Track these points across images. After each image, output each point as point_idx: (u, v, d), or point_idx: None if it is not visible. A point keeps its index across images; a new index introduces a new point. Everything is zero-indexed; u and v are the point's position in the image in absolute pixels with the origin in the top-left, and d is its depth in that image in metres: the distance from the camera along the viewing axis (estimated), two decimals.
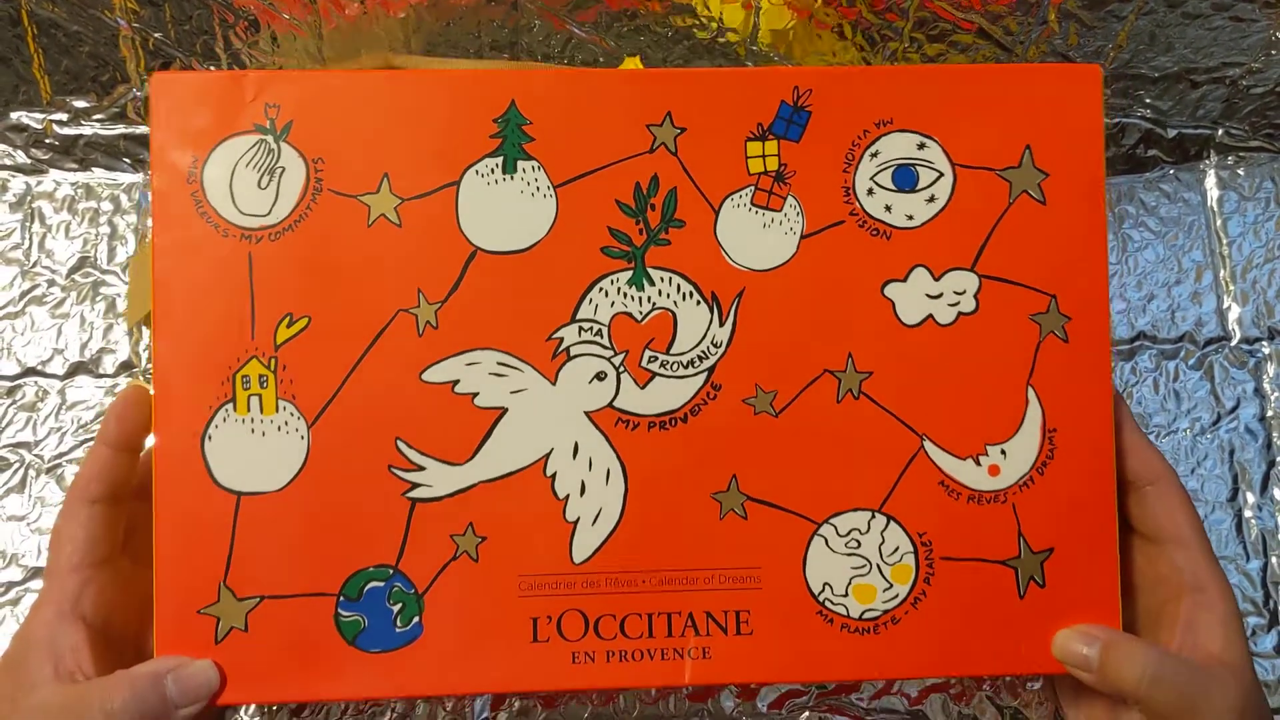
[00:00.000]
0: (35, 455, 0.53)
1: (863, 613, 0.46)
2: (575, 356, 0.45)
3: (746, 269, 0.46)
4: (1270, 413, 0.57)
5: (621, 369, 0.45)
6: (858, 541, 0.45)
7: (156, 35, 0.55)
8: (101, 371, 0.54)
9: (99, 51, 0.55)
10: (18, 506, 0.53)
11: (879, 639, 0.46)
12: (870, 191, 0.46)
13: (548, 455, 0.45)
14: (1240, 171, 0.60)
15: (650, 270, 0.45)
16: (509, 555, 0.44)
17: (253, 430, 0.43)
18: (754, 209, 0.46)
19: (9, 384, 0.54)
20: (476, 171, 0.45)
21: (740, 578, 0.45)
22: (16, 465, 0.53)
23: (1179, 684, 0.42)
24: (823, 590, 0.45)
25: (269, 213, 0.44)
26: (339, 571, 0.44)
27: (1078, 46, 0.57)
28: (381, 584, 0.44)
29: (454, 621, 0.44)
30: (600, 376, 0.45)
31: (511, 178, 0.45)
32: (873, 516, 0.45)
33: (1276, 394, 0.57)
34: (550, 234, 0.45)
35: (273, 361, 0.44)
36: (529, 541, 0.44)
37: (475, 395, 0.44)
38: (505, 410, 0.44)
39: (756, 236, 0.46)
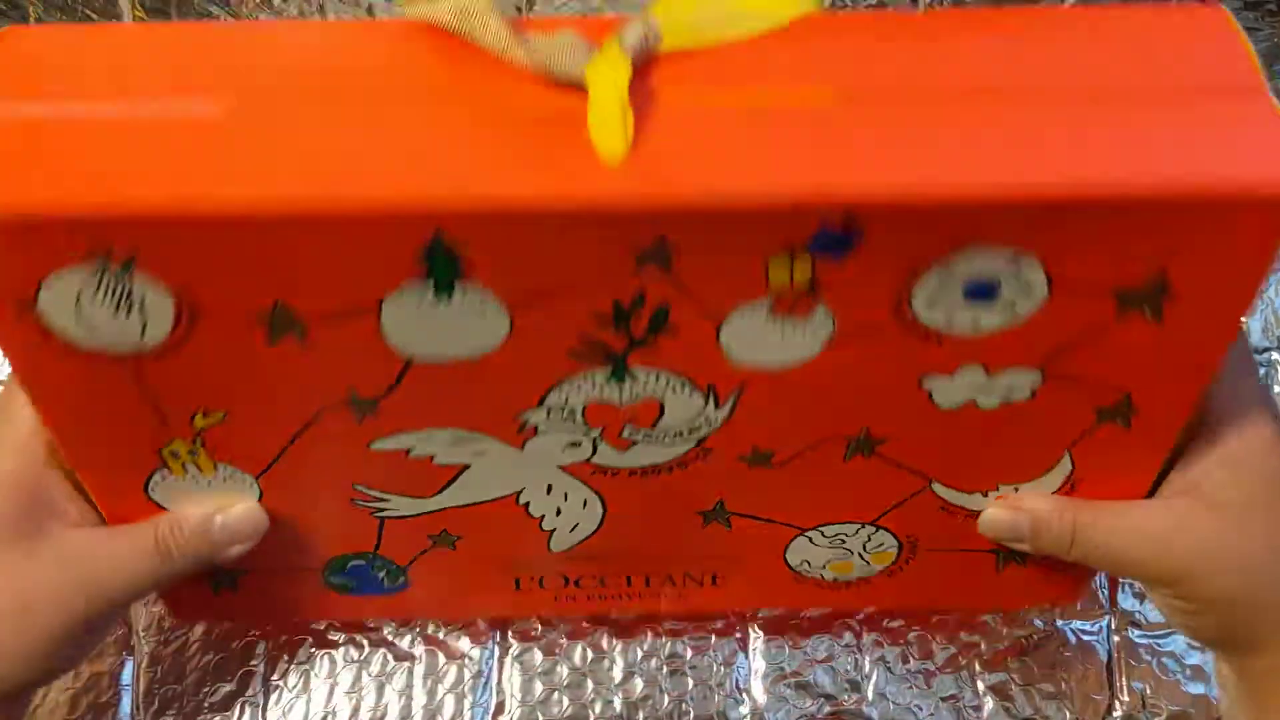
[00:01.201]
0: None
1: (836, 578, 0.45)
2: (544, 433, 0.38)
3: (754, 368, 0.35)
4: None
5: (599, 440, 0.38)
6: (843, 540, 0.44)
7: None
8: None
9: None
10: None
11: (850, 589, 0.46)
12: (932, 304, 0.33)
13: (520, 491, 0.41)
14: None
15: (634, 369, 0.35)
16: (486, 548, 0.44)
17: (196, 482, 0.39)
18: (771, 318, 0.33)
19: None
20: (400, 299, 0.32)
21: (719, 559, 0.45)
22: None
23: (1112, 545, 0.40)
24: (800, 564, 0.45)
25: (142, 337, 0.33)
26: (320, 557, 0.44)
27: None
28: (364, 562, 0.44)
29: (439, 582, 0.45)
30: (574, 445, 0.38)
31: (448, 300, 0.32)
32: (863, 526, 0.44)
33: None
34: (503, 346, 0.34)
35: (197, 440, 0.37)
36: (506, 540, 0.44)
37: (433, 456, 0.39)
38: (468, 465, 0.40)
39: (771, 341, 0.34)
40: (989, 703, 0.52)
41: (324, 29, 0.36)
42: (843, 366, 0.35)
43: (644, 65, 0.32)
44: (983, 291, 0.33)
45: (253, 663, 0.51)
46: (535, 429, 0.37)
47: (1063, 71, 0.33)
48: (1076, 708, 0.52)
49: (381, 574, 0.44)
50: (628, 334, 0.34)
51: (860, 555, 0.45)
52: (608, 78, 0.31)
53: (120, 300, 0.32)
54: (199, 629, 0.51)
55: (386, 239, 0.31)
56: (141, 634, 0.51)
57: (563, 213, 0.30)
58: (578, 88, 0.31)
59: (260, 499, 0.40)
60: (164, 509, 0.40)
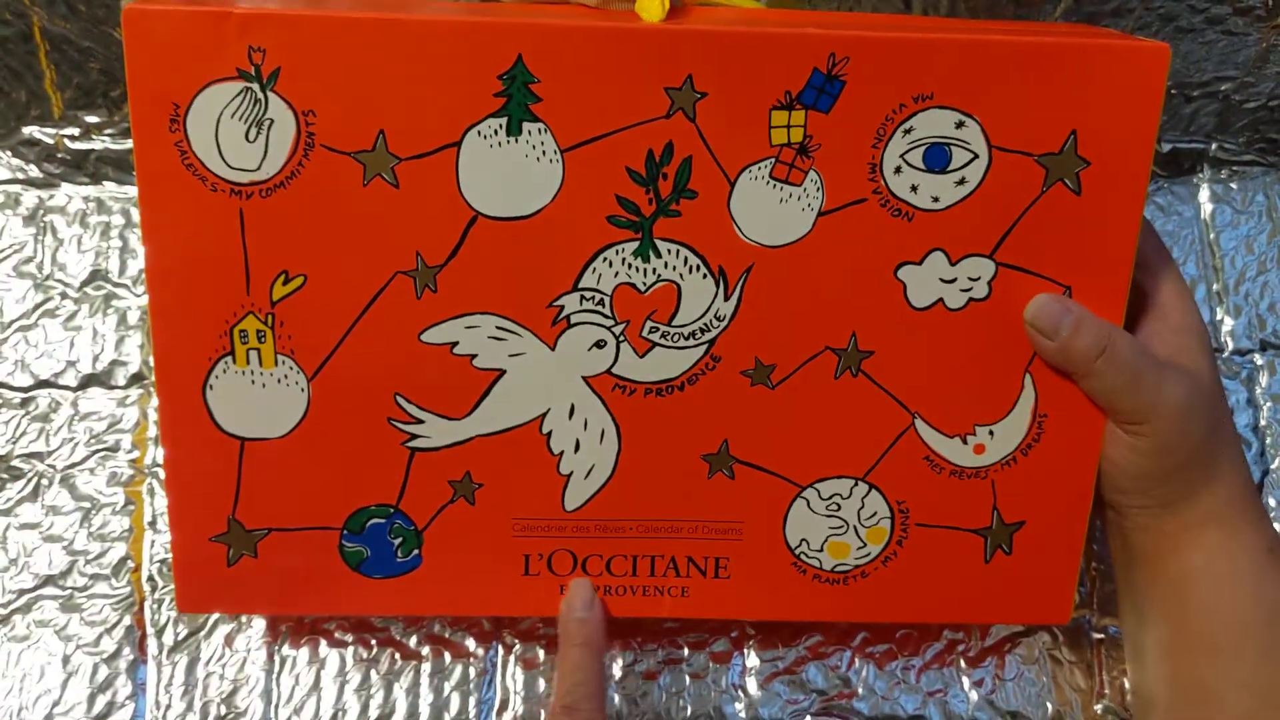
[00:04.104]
0: (48, 465, 0.54)
1: (835, 566, 0.48)
2: (575, 324, 0.44)
3: (758, 244, 0.43)
4: (1263, 422, 0.58)
5: (621, 338, 0.44)
6: (838, 505, 0.47)
7: None
8: (113, 383, 0.55)
9: (109, 68, 0.56)
10: (31, 515, 0.54)
11: (846, 589, 0.48)
12: (898, 170, 0.43)
13: (544, 414, 0.45)
14: (1234, 185, 0.60)
15: (657, 241, 0.43)
16: (504, 501, 0.46)
17: (253, 382, 0.43)
18: (772, 182, 0.42)
19: (22, 395, 0.55)
20: (479, 133, 0.41)
21: (722, 529, 0.47)
22: (30, 475, 0.54)
23: (1131, 366, 0.44)
24: (799, 545, 0.47)
25: (259, 168, 0.41)
26: (342, 509, 0.46)
27: None
28: (383, 520, 0.46)
29: (451, 555, 0.46)
30: (599, 344, 0.44)
31: (516, 140, 0.41)
32: (855, 484, 0.47)
33: (1269, 404, 0.58)
34: (555, 201, 0.42)
35: (270, 318, 0.43)
36: (523, 490, 0.46)
37: (474, 357, 0.44)
38: (503, 372, 0.44)
39: (772, 211, 0.43)
40: (974, 696, 0.54)
41: None
42: (831, 248, 0.43)
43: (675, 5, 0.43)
44: (938, 158, 0.42)
45: (264, 662, 0.53)
46: (568, 320, 0.43)
47: (988, 25, 0.47)
48: (1059, 702, 0.54)
49: (397, 542, 0.46)
50: (656, 195, 0.42)
51: (856, 531, 0.47)
52: None
53: (254, 121, 0.40)
54: (214, 631, 0.53)
55: (476, 58, 0.40)
56: (156, 634, 0.53)
57: (615, 34, 0.40)
58: (629, 4, 0.43)
59: (306, 414, 0.44)
60: (215, 420, 0.44)
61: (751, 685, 0.54)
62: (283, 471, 0.45)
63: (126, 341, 0.55)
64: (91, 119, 0.57)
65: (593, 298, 0.43)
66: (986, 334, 0.45)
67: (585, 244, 0.43)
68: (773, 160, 0.42)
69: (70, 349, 0.55)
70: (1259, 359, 0.59)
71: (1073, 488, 0.47)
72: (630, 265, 0.43)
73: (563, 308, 0.44)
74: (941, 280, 0.44)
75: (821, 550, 0.48)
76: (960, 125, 0.42)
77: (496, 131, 0.41)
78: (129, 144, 0.57)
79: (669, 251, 0.43)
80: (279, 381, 0.44)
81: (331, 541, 0.46)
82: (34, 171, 0.57)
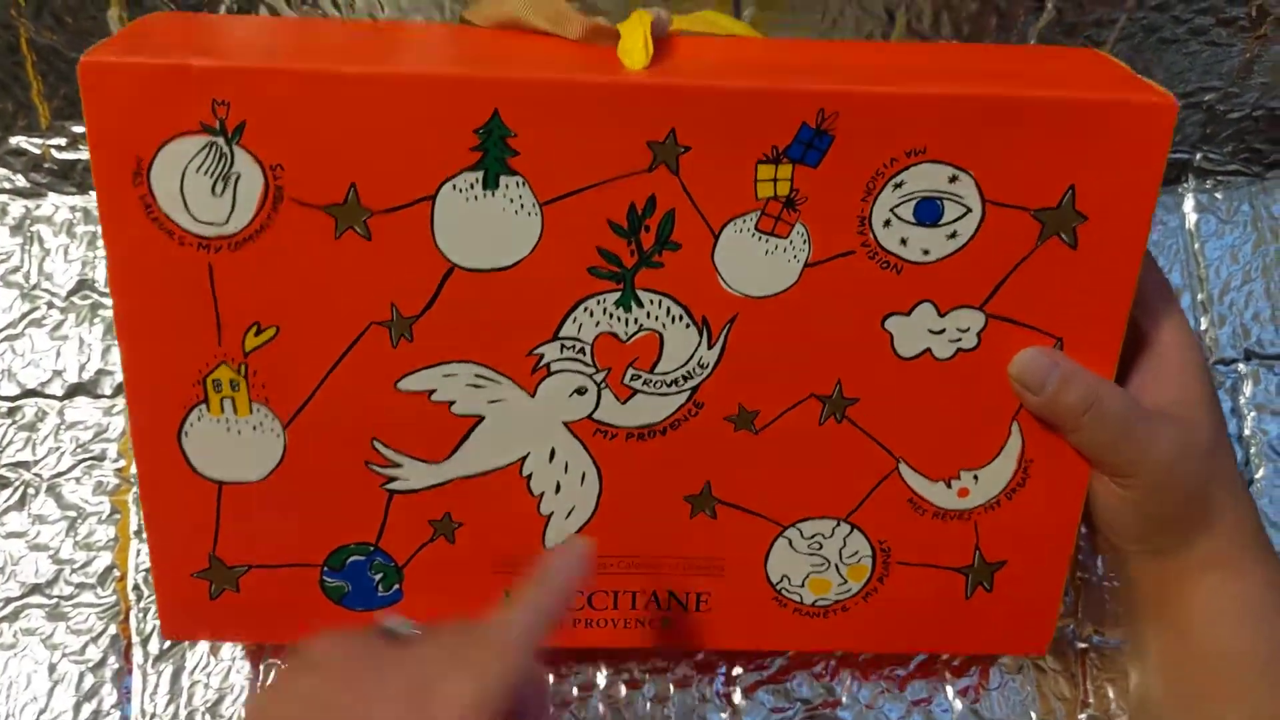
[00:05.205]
0: (34, 474, 0.54)
1: (815, 600, 0.48)
2: (556, 372, 0.43)
3: (742, 295, 0.42)
4: (1246, 431, 0.58)
5: (603, 385, 0.43)
6: (820, 544, 0.47)
7: None
8: (100, 392, 0.55)
9: None
10: (17, 524, 0.54)
11: (826, 622, 0.48)
12: (887, 223, 0.41)
13: (524, 457, 0.44)
14: (1218, 195, 0.61)
15: (639, 292, 0.42)
16: (484, 540, 0.46)
17: (228, 429, 0.43)
18: (758, 235, 0.41)
19: (9, 404, 0.55)
20: (454, 186, 0.40)
21: (703, 566, 0.47)
22: (16, 484, 0.54)
23: (1118, 421, 0.43)
24: (780, 580, 0.47)
25: (226, 221, 0.40)
26: (322, 547, 0.46)
27: None
28: (363, 558, 0.46)
29: (431, 591, 0.46)
30: (580, 391, 0.43)
31: (493, 194, 0.40)
32: (838, 524, 0.46)
33: (1253, 413, 0.58)
34: (533, 253, 0.41)
35: (242, 367, 0.42)
36: (504, 529, 0.46)
37: (452, 403, 0.43)
38: (482, 418, 0.44)
39: (757, 262, 0.42)
40: (959, 706, 0.54)
41: (411, 28, 0.48)
42: (817, 299, 0.42)
43: (660, 37, 0.41)
44: (929, 212, 0.41)
45: (248, 671, 0.53)
46: (548, 368, 0.42)
47: (983, 62, 0.45)
48: (1044, 711, 0.54)
49: (378, 577, 0.46)
50: (638, 247, 0.41)
51: (837, 569, 0.47)
52: (634, 21, 0.41)
53: (220, 175, 0.39)
54: (199, 641, 0.53)
55: (450, 113, 0.39)
56: (142, 643, 0.53)
57: (595, 88, 0.39)
58: (610, 33, 0.41)
59: (283, 459, 0.43)
60: (190, 464, 0.43)
61: (736, 694, 0.54)
62: (262, 512, 0.45)
63: (113, 351, 0.55)
64: (78, 129, 0.57)
65: (573, 346, 0.43)
66: (974, 382, 0.44)
67: (565, 294, 0.42)
68: (758, 213, 0.41)
69: (57, 358, 0.55)
70: (1243, 368, 0.59)
71: (1056, 530, 0.47)
72: (611, 315, 0.42)
73: (542, 356, 0.43)
74: (930, 331, 0.43)
75: (803, 586, 0.48)
76: (954, 180, 0.41)
77: (473, 185, 0.40)
78: None
79: (651, 301, 0.42)
80: (254, 429, 0.43)
81: (312, 577, 0.46)
82: (21, 181, 0.57)
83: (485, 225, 0.40)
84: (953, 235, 0.41)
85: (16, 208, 0.56)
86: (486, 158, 0.39)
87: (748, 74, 0.40)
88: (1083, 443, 0.44)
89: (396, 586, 0.46)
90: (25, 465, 0.54)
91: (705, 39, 0.44)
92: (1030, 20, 0.55)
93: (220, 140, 0.39)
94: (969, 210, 0.41)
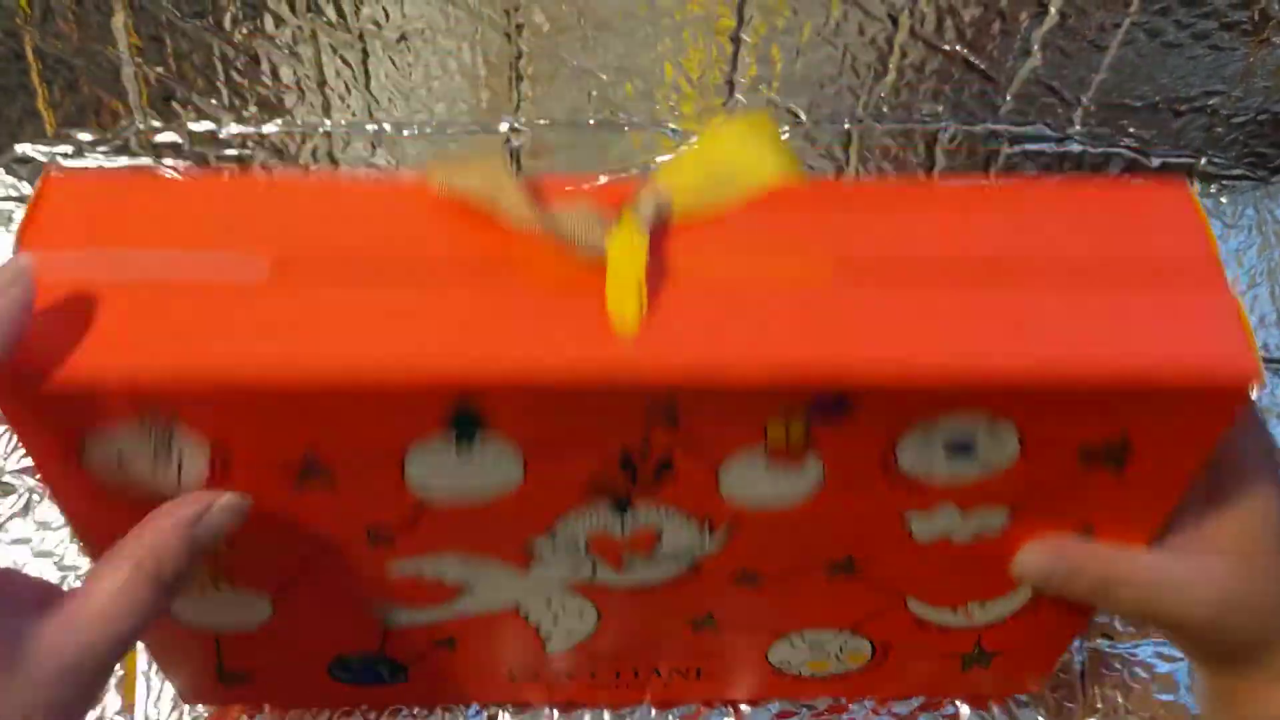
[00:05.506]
0: (39, 481, 0.54)
1: (813, 674, 0.49)
2: (547, 561, 0.40)
3: (748, 507, 0.38)
4: None
5: (599, 562, 0.41)
6: (821, 644, 0.47)
7: (159, 70, 0.56)
8: None
9: (103, 86, 0.56)
10: (22, 530, 0.54)
11: (825, 683, 0.50)
12: (915, 459, 0.36)
13: (520, 602, 0.44)
14: (1223, 200, 0.61)
15: (636, 507, 0.38)
16: (486, 650, 0.47)
17: (210, 598, 0.41)
18: (766, 464, 0.36)
19: None
20: (425, 448, 0.34)
21: (705, 658, 0.49)
22: (21, 490, 0.54)
23: (1145, 587, 0.40)
24: (781, 663, 0.49)
25: (178, 484, 0.35)
26: (325, 657, 0.47)
27: (1060, 75, 0.58)
28: (368, 661, 0.47)
29: (437, 680, 0.48)
30: (574, 568, 0.41)
31: (469, 451, 0.35)
32: (840, 632, 0.47)
33: None
34: (516, 491, 0.36)
35: (219, 566, 0.40)
36: (504, 646, 0.47)
37: (442, 578, 0.41)
38: (475, 585, 0.42)
39: (765, 484, 0.37)
40: (965, 711, 0.54)
41: (358, 192, 0.37)
42: (830, 508, 0.37)
43: (658, 235, 0.34)
44: (962, 449, 0.36)
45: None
46: (539, 556, 0.40)
47: (1034, 250, 0.36)
48: (1050, 717, 0.54)
49: (384, 670, 0.47)
50: (633, 479, 0.36)
51: (836, 657, 0.48)
52: (625, 253, 0.33)
53: (159, 452, 0.34)
54: None
55: (413, 403, 0.33)
56: (145, 649, 0.53)
57: (578, 381, 0.33)
58: (597, 259, 0.33)
59: (273, 616, 0.42)
60: (182, 621, 0.42)
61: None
62: (261, 649, 0.45)
63: None
64: (84, 136, 0.57)
65: (566, 542, 0.39)
66: (992, 560, 0.41)
67: (554, 510, 0.38)
68: (765, 449, 0.36)
69: None
70: None
71: (1059, 636, 0.47)
72: (607, 522, 0.38)
73: (535, 546, 0.40)
74: (949, 525, 0.39)
75: (803, 665, 0.49)
76: (992, 425, 0.35)
77: (446, 445, 0.34)
78: (121, 161, 0.58)
79: (649, 511, 0.38)
80: (239, 595, 0.41)
81: (320, 669, 0.48)
82: (27, 189, 0.57)
83: (462, 473, 0.36)
84: (985, 465, 0.37)
85: (23, 215, 0.57)
86: (459, 431, 0.34)
87: (753, 343, 0.34)
88: (1108, 611, 0.43)
89: (403, 675, 0.48)
90: (30, 472, 0.55)
91: (702, 235, 0.36)
92: (1033, 25, 0.55)
93: (156, 429, 0.33)
94: (1005, 446, 0.36)
